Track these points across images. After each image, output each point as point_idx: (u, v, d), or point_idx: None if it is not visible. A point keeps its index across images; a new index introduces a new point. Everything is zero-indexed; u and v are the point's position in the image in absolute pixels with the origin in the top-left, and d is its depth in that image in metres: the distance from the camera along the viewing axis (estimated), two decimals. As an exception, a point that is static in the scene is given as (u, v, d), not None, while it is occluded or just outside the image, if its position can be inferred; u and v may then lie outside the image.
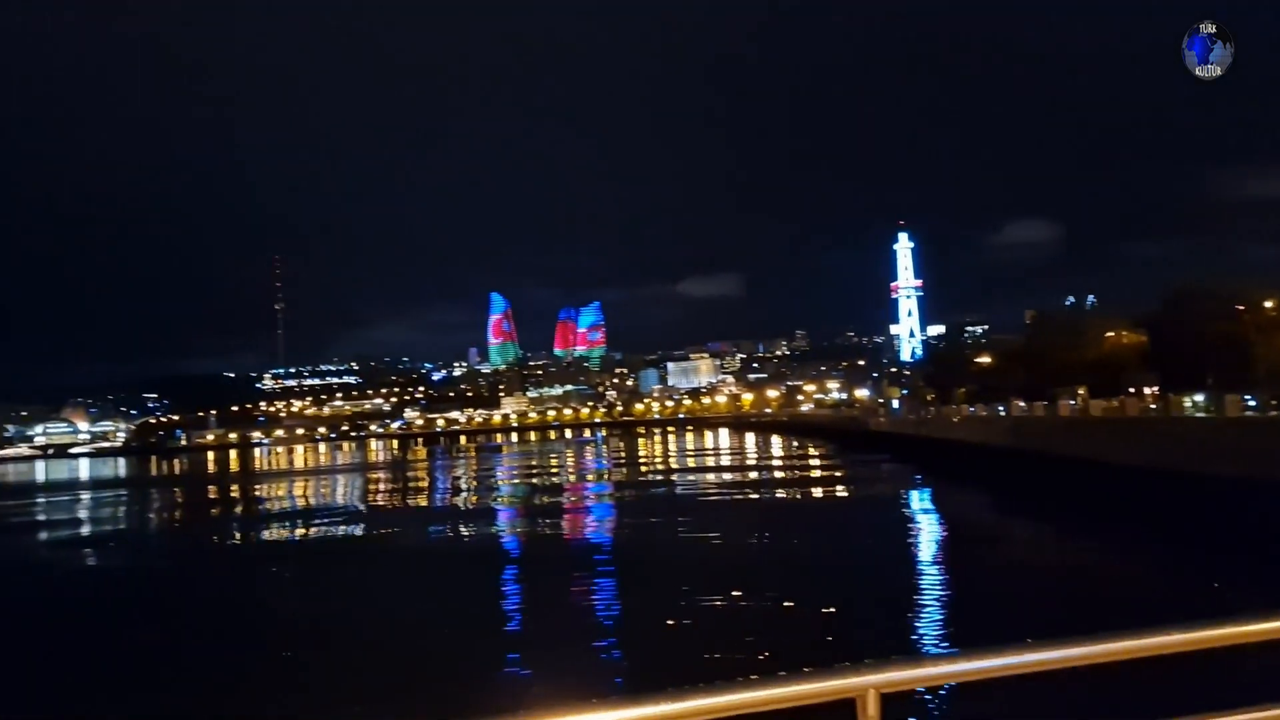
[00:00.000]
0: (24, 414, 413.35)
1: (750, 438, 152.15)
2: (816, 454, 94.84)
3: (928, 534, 36.76)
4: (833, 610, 22.40)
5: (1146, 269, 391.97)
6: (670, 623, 21.67)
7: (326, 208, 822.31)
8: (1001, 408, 65.84)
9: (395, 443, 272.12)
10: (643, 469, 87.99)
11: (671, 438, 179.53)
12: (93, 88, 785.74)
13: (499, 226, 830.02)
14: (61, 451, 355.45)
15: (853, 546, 33.59)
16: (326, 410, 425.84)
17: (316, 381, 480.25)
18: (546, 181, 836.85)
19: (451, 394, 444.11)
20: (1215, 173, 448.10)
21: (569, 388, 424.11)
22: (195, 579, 34.87)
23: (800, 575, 27.36)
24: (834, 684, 2.35)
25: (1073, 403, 55.18)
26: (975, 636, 18.91)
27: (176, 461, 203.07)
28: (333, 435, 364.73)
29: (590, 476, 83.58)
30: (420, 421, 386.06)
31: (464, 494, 71.39)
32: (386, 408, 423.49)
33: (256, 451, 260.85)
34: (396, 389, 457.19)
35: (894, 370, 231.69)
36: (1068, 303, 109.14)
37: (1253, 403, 40.66)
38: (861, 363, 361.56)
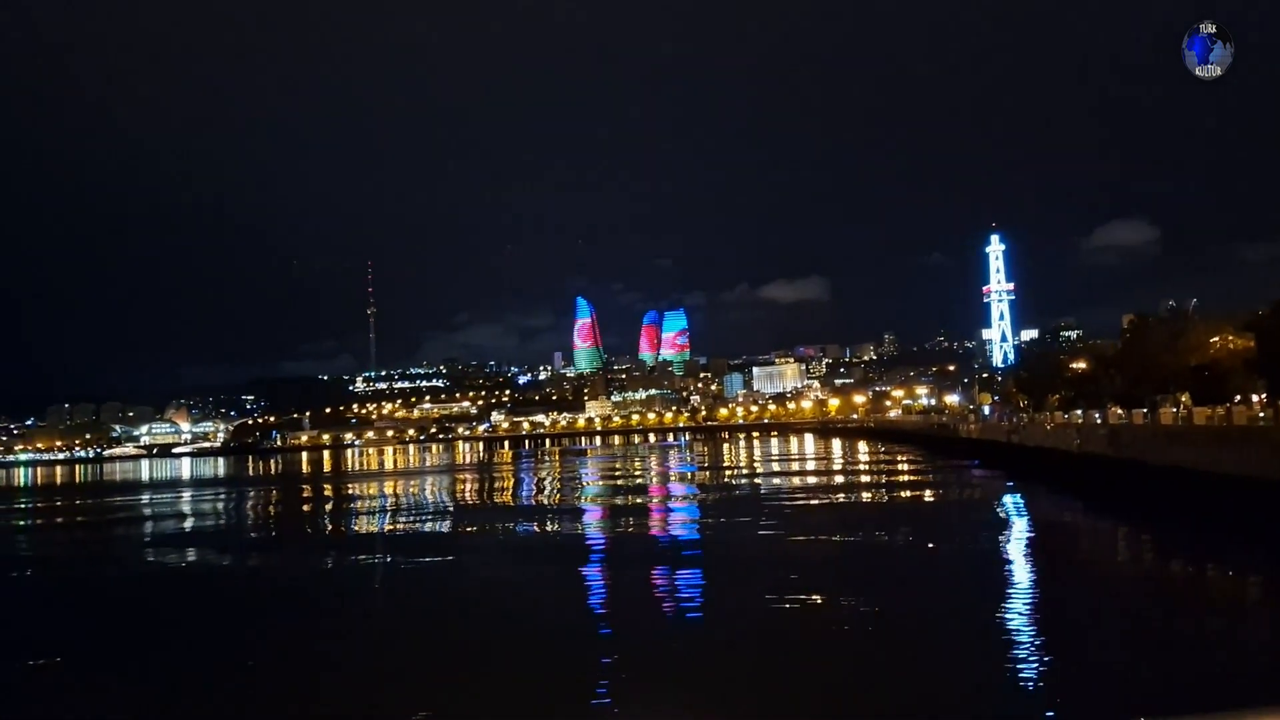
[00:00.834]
0: (131, 415, 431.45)
1: (836, 444, 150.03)
2: (904, 460, 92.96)
3: (1018, 545, 35.44)
4: (911, 617, 21.69)
5: (1250, 271, 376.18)
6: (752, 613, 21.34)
7: (416, 213, 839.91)
8: (1098, 414, 63.51)
9: (480, 445, 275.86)
10: (727, 473, 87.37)
11: (756, 443, 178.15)
12: (197, 101, 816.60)
13: (584, 231, 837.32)
14: (165, 451, 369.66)
15: (940, 555, 32.60)
16: (415, 413, 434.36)
17: (406, 384, 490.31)
18: (632, 186, 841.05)
19: (536, 398, 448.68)
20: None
21: (653, 392, 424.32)
22: (326, 575, 36.09)
23: (887, 580, 26.61)
24: None
25: (1175, 410, 52.91)
26: (1075, 660, 18.04)
27: (273, 462, 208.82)
28: (421, 437, 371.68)
29: (674, 479, 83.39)
30: (506, 425, 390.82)
31: (552, 494, 71.94)
32: (473, 411, 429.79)
33: (348, 453, 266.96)
34: (483, 392, 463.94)
35: (985, 375, 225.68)
36: (1168, 306, 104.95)
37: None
38: (952, 368, 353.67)
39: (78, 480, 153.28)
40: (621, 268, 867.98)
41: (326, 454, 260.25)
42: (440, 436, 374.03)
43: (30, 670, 20.94)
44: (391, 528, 51.46)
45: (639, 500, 64.01)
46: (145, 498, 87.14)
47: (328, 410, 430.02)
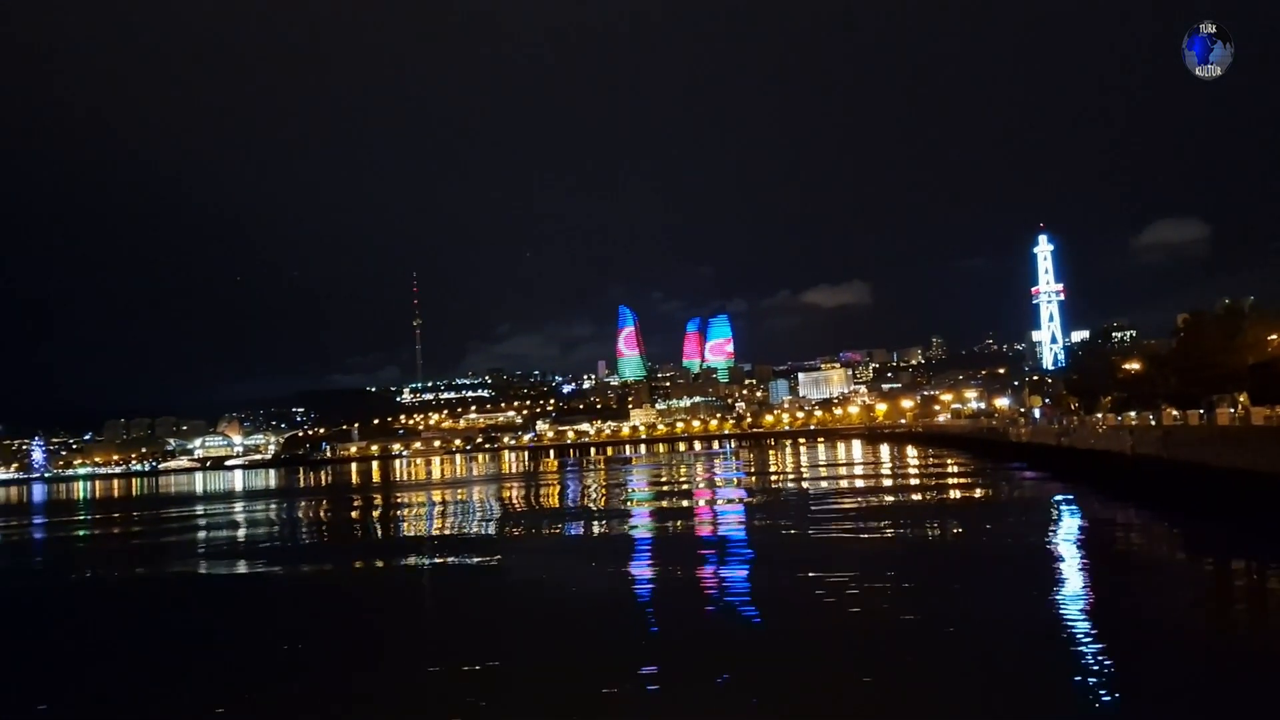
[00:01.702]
0: (184, 428, 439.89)
1: (884, 449, 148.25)
2: (952, 465, 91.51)
3: (1069, 549, 34.40)
4: (965, 622, 21.01)
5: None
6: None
7: (456, 226, 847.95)
8: (1151, 416, 61.88)
9: (525, 455, 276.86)
10: (773, 478, 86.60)
11: (803, 449, 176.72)
12: (245, 117, 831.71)
13: (625, 241, 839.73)
14: (218, 464, 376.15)
15: (984, 559, 31.73)
16: (461, 423, 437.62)
17: (452, 395, 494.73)
18: (672, 195, 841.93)
19: (581, 406, 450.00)
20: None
21: (697, 399, 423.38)
22: (391, 577, 36.73)
23: (939, 585, 25.89)
24: None
25: (1232, 410, 51.29)
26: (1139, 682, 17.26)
27: (323, 473, 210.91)
28: (468, 447, 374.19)
29: (720, 485, 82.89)
30: (551, 434, 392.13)
31: (600, 499, 72.10)
32: (519, 420, 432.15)
33: (397, 463, 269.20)
34: (528, 402, 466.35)
35: (1035, 378, 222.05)
36: (1223, 303, 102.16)
37: None
38: (1002, 371, 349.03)
39: (135, 493, 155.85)
40: (661, 276, 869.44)
41: (375, 465, 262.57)
42: (486, 446, 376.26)
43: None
44: (445, 533, 52.63)
45: (685, 504, 65.10)
46: (203, 509, 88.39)
47: (375, 421, 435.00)
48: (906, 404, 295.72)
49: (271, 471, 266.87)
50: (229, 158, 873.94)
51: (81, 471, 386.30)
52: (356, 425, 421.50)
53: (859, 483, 76.96)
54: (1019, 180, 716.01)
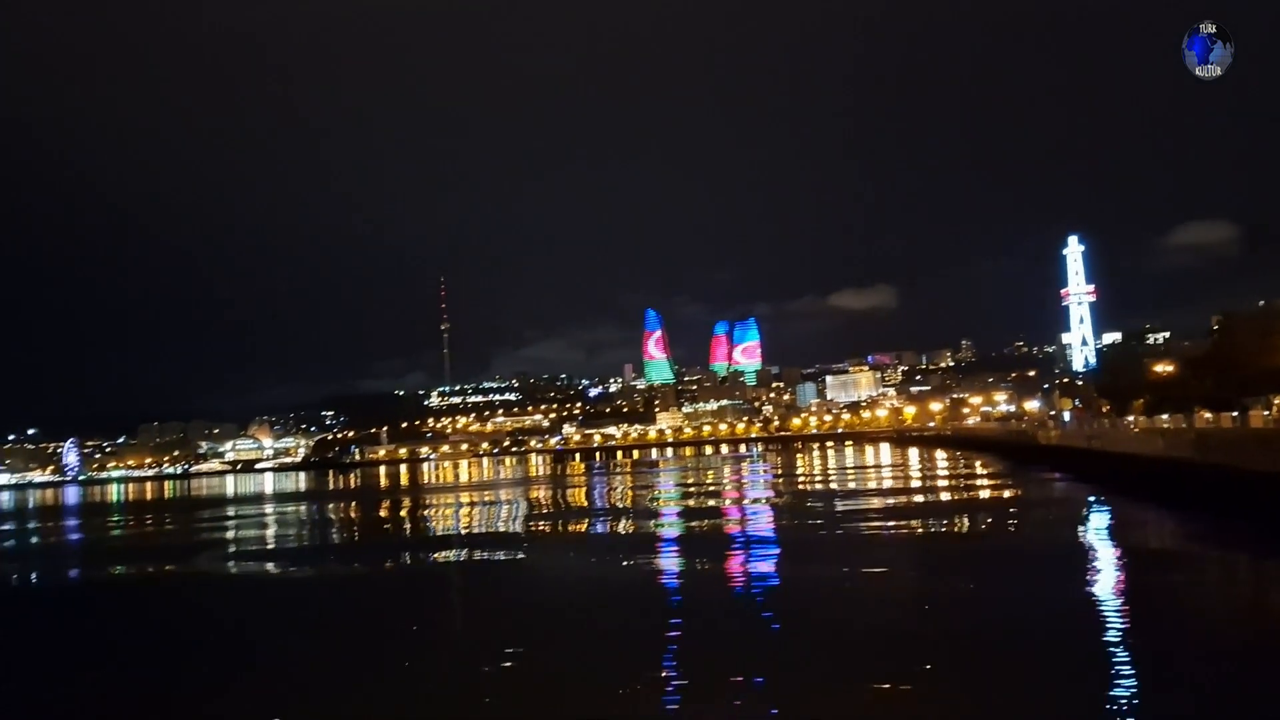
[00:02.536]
0: (216, 432, 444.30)
1: (913, 452, 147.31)
2: (980, 468, 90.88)
3: (1105, 559, 33.99)
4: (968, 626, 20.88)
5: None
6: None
7: (485, 231, 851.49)
8: (1184, 418, 61.14)
9: (550, 458, 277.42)
10: (800, 481, 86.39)
11: (830, 452, 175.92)
12: (271, 124, 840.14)
13: (650, 245, 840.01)
14: (249, 466, 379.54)
15: (1008, 562, 31.46)
16: (489, 426, 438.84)
17: (479, 399, 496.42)
18: (695, 199, 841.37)
19: (608, 410, 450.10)
20: None
21: (725, 403, 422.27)
22: (429, 574, 37.70)
23: (967, 592, 25.75)
24: None
25: (1266, 413, 50.61)
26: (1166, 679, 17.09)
27: (353, 476, 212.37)
28: (495, 451, 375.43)
29: (746, 487, 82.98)
30: (578, 437, 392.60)
31: (628, 501, 72.54)
32: (545, 424, 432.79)
33: (425, 466, 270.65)
34: (555, 405, 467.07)
35: (1065, 381, 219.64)
36: (1258, 304, 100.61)
37: None
38: (1032, 373, 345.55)
39: (168, 495, 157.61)
40: (684, 280, 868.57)
41: (404, 468, 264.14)
42: (513, 449, 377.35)
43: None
44: (476, 531, 53.89)
45: (712, 503, 66.33)
46: (250, 510, 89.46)
47: (404, 425, 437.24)
48: (935, 407, 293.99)
49: (301, 474, 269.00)
50: (258, 163, 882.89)
51: (115, 474, 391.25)
52: (385, 429, 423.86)
53: (886, 485, 77.69)
54: (1047, 181, 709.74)
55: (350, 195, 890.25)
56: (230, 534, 62.49)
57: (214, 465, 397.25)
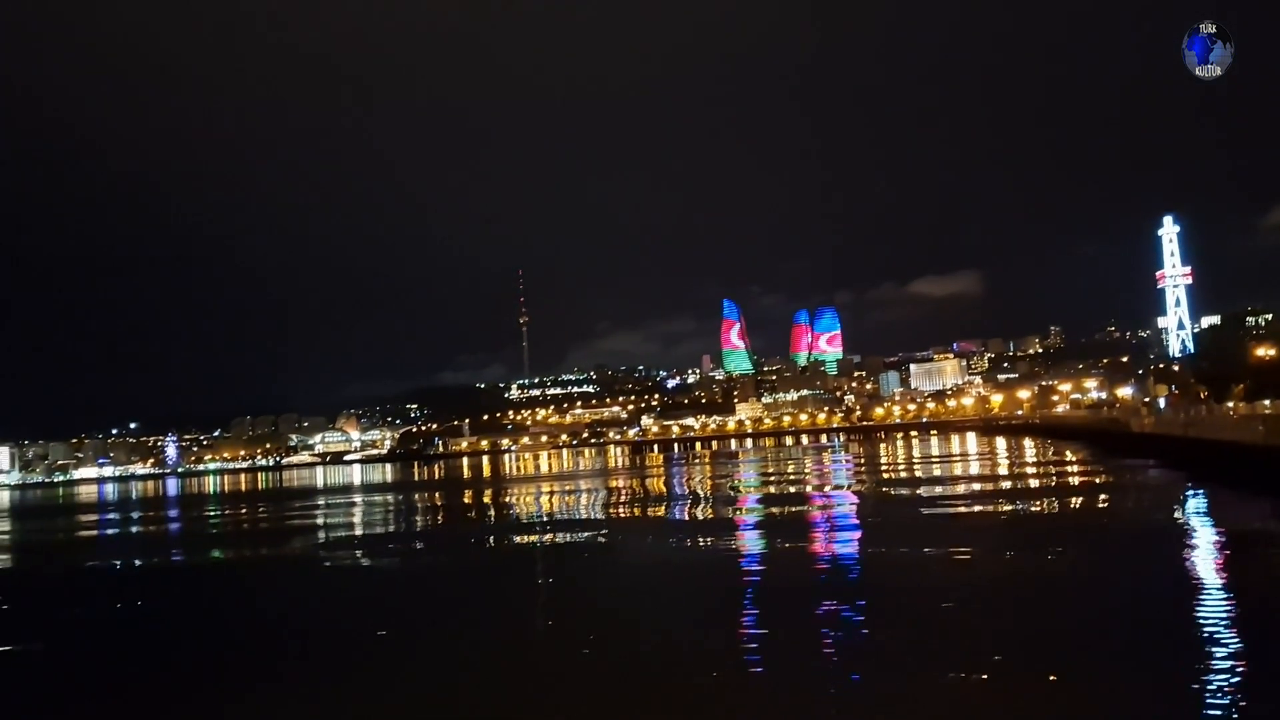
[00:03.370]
0: (306, 425, 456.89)
1: (1000, 442, 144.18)
2: (1071, 457, 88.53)
3: (1203, 548, 32.74)
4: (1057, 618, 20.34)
5: None
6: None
7: (562, 224, 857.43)
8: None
9: (628, 449, 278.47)
10: (883, 470, 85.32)
11: (915, 442, 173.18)
12: (353, 125, 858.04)
13: (726, 235, 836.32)
14: (337, 458, 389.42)
15: (1101, 555, 30.56)
16: (568, 418, 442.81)
17: (558, 391, 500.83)
18: (772, 188, 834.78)
19: (685, 401, 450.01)
20: None
21: (805, 393, 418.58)
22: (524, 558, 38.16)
23: (1062, 592, 25.16)
24: None
25: (1377, 397, 48.23)
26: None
27: (437, 467, 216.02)
28: (574, 442, 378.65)
29: (828, 476, 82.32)
30: (656, 429, 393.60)
31: (709, 490, 72.76)
32: (624, 415, 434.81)
33: (506, 458, 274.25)
34: (633, 397, 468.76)
35: (1160, 366, 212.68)
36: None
37: None
38: (1124, 359, 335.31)
39: (262, 486, 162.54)
40: (759, 270, 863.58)
41: (485, 459, 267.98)
42: (592, 441, 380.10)
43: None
44: (561, 518, 54.90)
45: (793, 490, 66.71)
46: (338, 500, 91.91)
47: (484, 417, 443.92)
48: (1023, 395, 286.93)
49: (387, 465, 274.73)
50: (347, 166, 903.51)
51: (211, 467, 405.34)
52: (467, 421, 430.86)
53: (974, 471, 76.90)
54: (1138, 161, 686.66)
55: (432, 195, 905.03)
56: (325, 521, 64.46)
57: (304, 457, 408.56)
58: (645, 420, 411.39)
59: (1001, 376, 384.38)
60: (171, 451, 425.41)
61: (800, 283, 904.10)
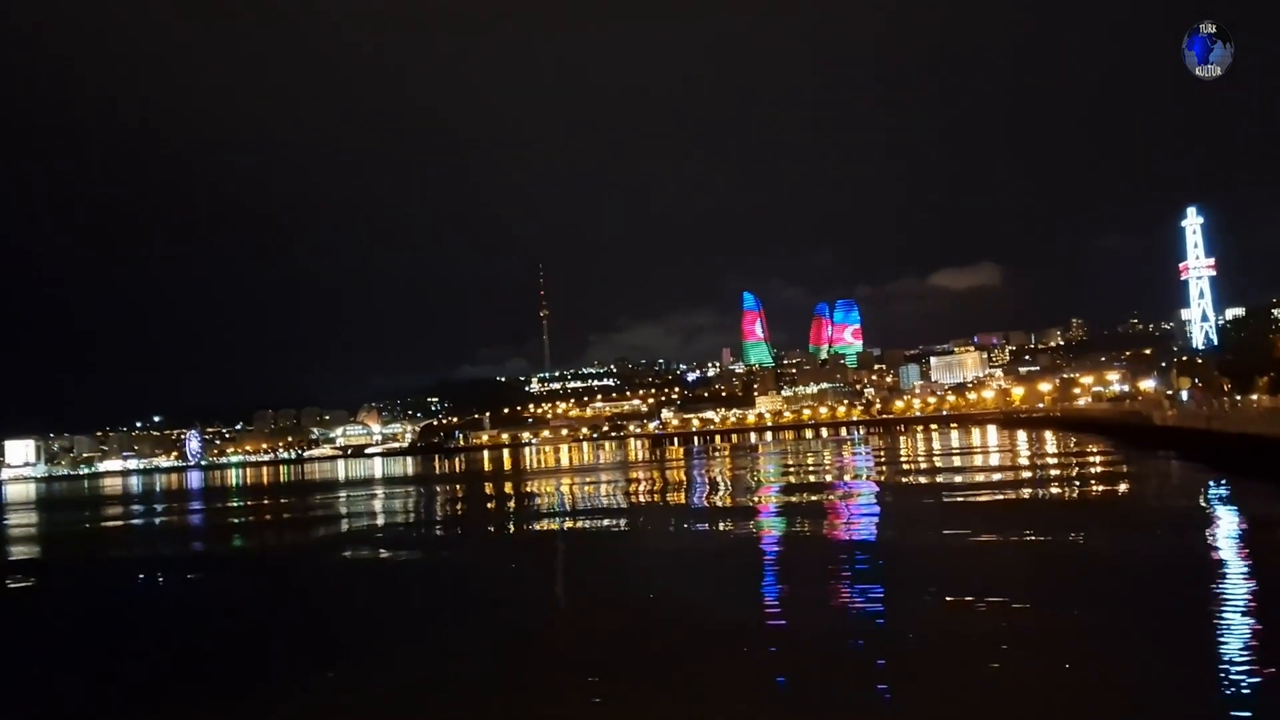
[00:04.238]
0: (327, 418, 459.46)
1: (1021, 435, 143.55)
2: (1093, 450, 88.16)
3: (1227, 545, 32.60)
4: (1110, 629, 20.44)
5: None
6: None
7: (582, 219, 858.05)
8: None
9: (649, 442, 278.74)
10: (903, 462, 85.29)
11: (935, 435, 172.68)
12: (374, 118, 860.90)
13: (746, 229, 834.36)
14: (358, 451, 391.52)
15: (1123, 546, 30.55)
16: (588, 411, 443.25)
17: (578, 384, 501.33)
18: (789, 182, 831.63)
19: (705, 394, 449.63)
20: None
21: (825, 386, 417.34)
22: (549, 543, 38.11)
23: (1082, 587, 25.23)
24: None
25: (1403, 388, 47.87)
26: None
27: (459, 460, 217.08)
28: (594, 435, 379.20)
29: (848, 468, 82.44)
30: (676, 422, 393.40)
31: (731, 480, 73.27)
32: (644, 409, 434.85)
33: (526, 451, 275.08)
34: (653, 390, 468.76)
35: (1184, 359, 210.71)
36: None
37: None
38: (1147, 352, 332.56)
39: (284, 479, 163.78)
40: (779, 263, 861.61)
41: (506, 452, 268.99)
42: (612, 434, 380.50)
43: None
44: (583, 508, 55.79)
45: (812, 479, 68.16)
46: (377, 492, 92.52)
47: (505, 410, 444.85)
48: (1044, 387, 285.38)
49: (409, 459, 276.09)
50: (366, 158, 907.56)
51: (234, 459, 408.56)
52: (487, 414, 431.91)
53: (994, 462, 77.30)
54: (1161, 151, 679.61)
55: (452, 187, 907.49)
56: (346, 511, 65.22)
57: (325, 450, 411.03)
58: (665, 413, 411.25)
59: (1023, 369, 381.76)
60: (194, 444, 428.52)
61: (822, 276, 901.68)
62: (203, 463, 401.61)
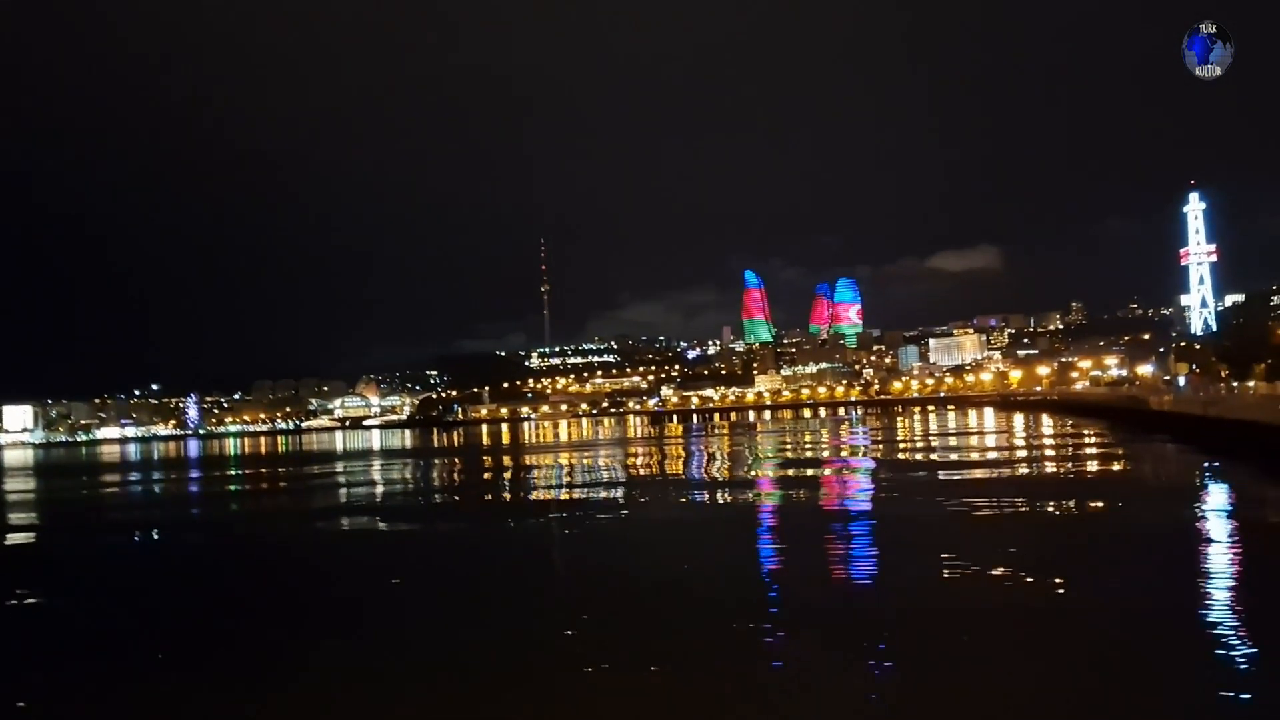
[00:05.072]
0: (325, 389, 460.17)
1: (1018, 418, 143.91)
2: (1088, 433, 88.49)
3: (1217, 527, 32.87)
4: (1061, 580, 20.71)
5: None
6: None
7: (585, 194, 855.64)
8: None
9: (648, 419, 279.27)
10: (899, 443, 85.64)
11: (932, 416, 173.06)
12: (373, 94, 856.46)
13: (748, 208, 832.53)
14: (356, 423, 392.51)
15: (1117, 528, 30.83)
16: (588, 387, 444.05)
17: (578, 360, 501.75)
18: (791, 161, 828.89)
19: (705, 372, 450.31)
20: None
21: (824, 365, 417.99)
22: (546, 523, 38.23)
23: (1072, 565, 25.54)
24: None
25: (1398, 377, 48.08)
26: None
27: (456, 434, 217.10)
28: (594, 411, 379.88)
29: (844, 446, 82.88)
30: (675, 399, 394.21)
31: (730, 457, 73.78)
32: (644, 385, 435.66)
33: (525, 426, 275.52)
34: (653, 367, 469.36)
35: (1183, 345, 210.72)
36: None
37: None
38: (1146, 336, 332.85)
39: (282, 449, 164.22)
40: (780, 243, 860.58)
41: (505, 427, 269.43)
42: (612, 411, 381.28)
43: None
44: (584, 481, 55.92)
45: (809, 455, 69.61)
46: (375, 464, 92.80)
47: (504, 385, 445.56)
48: (1042, 371, 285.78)
49: (407, 431, 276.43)
50: (367, 133, 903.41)
51: (232, 429, 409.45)
52: (486, 388, 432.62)
53: (988, 442, 78.06)
54: (1163, 136, 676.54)
55: (456, 160, 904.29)
56: (345, 482, 65.70)
57: (324, 421, 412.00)
58: (665, 390, 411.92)
59: (1021, 352, 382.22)
60: (193, 413, 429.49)
61: (823, 256, 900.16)
62: (201, 431, 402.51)
